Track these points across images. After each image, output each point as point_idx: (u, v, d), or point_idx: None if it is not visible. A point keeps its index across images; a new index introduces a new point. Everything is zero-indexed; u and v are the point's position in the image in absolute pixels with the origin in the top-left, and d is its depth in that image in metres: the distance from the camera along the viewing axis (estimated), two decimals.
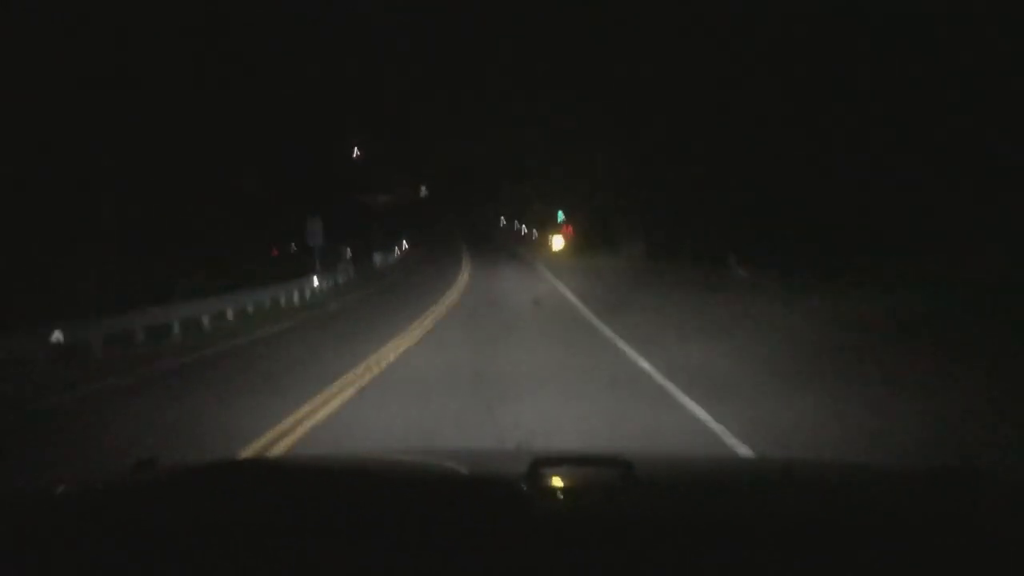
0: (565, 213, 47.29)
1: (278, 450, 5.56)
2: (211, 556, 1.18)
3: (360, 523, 1.29)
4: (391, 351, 10.58)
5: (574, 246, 41.74)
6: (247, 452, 5.42)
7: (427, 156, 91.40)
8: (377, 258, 38.91)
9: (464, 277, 29.17)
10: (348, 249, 31.34)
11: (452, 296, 21.13)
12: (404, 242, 55.59)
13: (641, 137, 35.73)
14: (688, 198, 34.28)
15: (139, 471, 1.72)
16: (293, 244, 37.10)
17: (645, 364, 8.66)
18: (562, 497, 1.54)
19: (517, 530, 1.23)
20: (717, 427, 5.72)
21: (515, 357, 9.63)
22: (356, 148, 76.46)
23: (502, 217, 73.09)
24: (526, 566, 1.14)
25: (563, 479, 1.60)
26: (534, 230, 56.14)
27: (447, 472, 1.83)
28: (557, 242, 43.98)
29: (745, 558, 1.16)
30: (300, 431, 6.05)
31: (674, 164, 33.75)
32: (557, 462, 1.64)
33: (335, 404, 7.05)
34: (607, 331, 12.27)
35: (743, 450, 5.17)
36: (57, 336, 11.04)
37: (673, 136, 33.60)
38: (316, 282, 24.05)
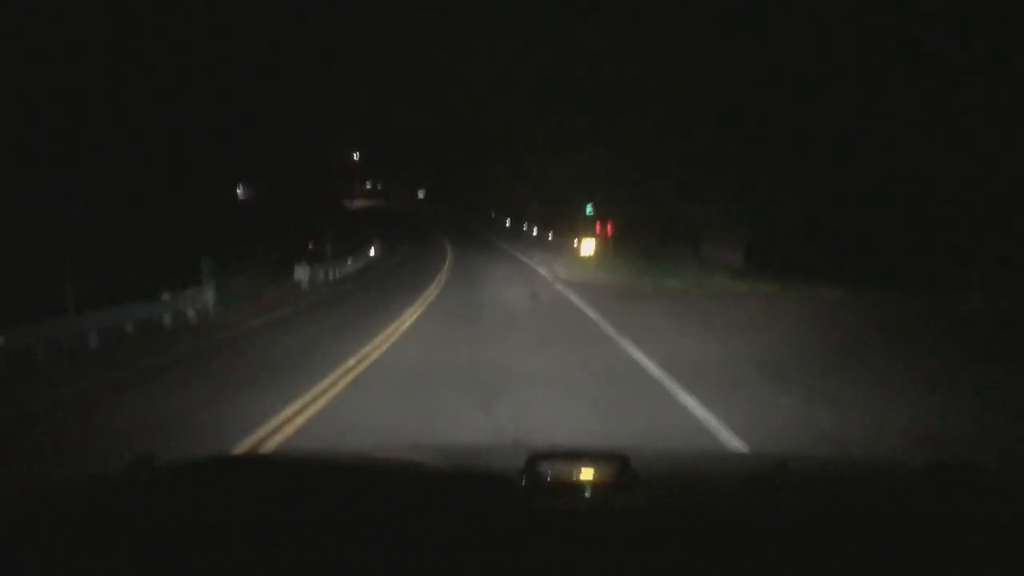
0: (596, 205, 32.19)
1: None
2: (207, 552, 1.17)
3: (357, 519, 1.28)
4: None
5: (615, 251, 26.61)
6: None
7: (426, 157, 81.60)
8: (303, 274, 24.01)
9: (408, 322, 14.21)
10: (207, 261, 16.44)
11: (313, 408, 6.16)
12: (372, 249, 40.66)
13: (726, 84, 20.74)
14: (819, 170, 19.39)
15: (136, 467, 1.67)
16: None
17: None
18: (559, 492, 1.51)
19: (514, 524, 1.23)
20: None
21: None
22: (356, 153, 75.13)
23: (508, 218, 58.15)
24: (524, 561, 1.13)
25: (560, 473, 1.57)
26: (550, 232, 40.98)
27: (444, 467, 1.88)
28: (587, 246, 28.81)
29: (742, 553, 1.15)
30: None
31: (788, 120, 19.02)
32: (554, 456, 1.60)
33: None
34: None
35: None
36: None
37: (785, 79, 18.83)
38: None
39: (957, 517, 1.33)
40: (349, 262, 32.05)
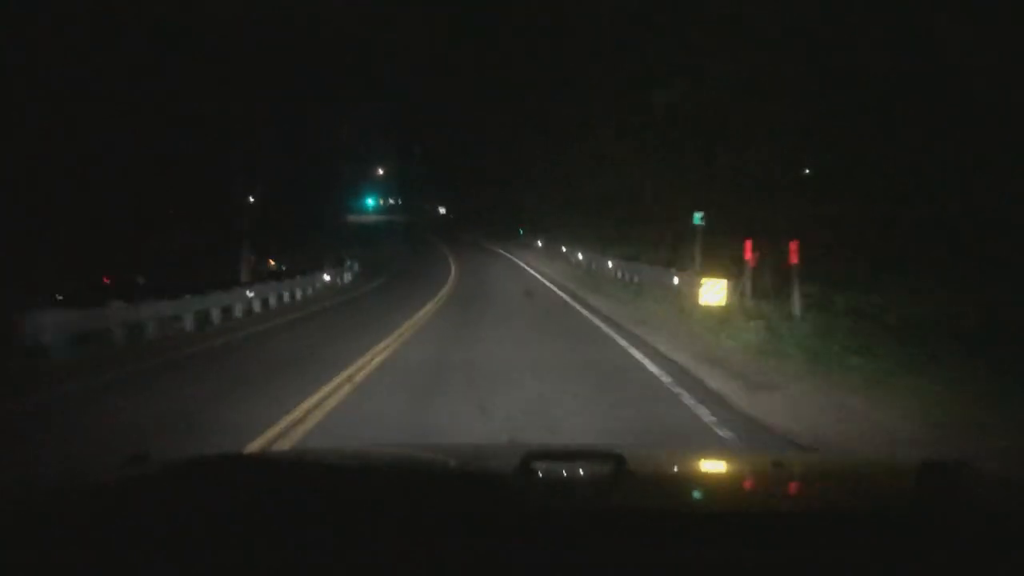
0: (710, 207, 17.25)
1: None
2: (203, 552, 1.16)
3: (352, 517, 1.26)
4: None
5: (802, 298, 11.44)
6: None
7: (449, 169, 74.86)
8: (43, 326, 9.63)
9: None
10: None
11: None
12: (330, 273, 26.04)
13: None
14: None
15: (130, 467, 1.65)
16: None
17: None
18: (554, 491, 1.52)
19: (510, 524, 1.22)
20: None
21: None
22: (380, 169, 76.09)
23: (539, 241, 43.49)
24: (520, 560, 1.12)
25: (555, 473, 1.58)
26: (610, 261, 25.81)
27: (440, 467, 1.86)
28: (712, 291, 13.74)
29: (736, 550, 1.15)
30: None
31: None
32: (549, 456, 1.62)
33: None
34: None
35: None
36: None
37: None
38: None
39: (948, 514, 1.32)
40: (250, 294, 17.52)
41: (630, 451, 1.54)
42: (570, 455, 1.71)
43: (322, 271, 25.74)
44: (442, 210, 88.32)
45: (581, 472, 1.61)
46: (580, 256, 31.03)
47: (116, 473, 1.61)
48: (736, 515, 1.31)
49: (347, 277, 28.91)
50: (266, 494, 1.46)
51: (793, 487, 1.67)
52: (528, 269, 31.21)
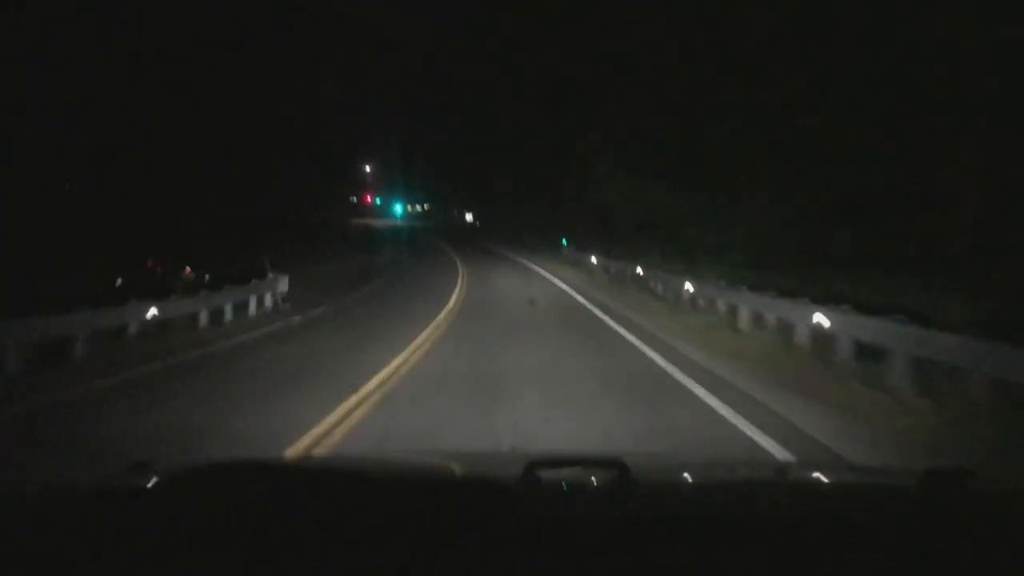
0: None
1: None
2: (204, 556, 1.15)
3: (356, 525, 1.25)
4: None
5: None
6: None
7: (478, 172, 69.86)
8: None
9: None
10: None
11: None
12: (152, 309, 12.05)
13: None
14: None
15: (133, 473, 1.62)
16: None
17: None
18: (557, 499, 1.50)
19: (512, 532, 1.20)
20: None
21: None
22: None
23: (593, 256, 29.30)
24: (523, 568, 1.11)
25: (558, 480, 1.56)
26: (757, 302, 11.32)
27: (444, 474, 1.88)
28: None
29: (740, 558, 1.14)
30: None
31: None
32: (552, 464, 1.60)
33: None
34: None
35: None
36: None
37: None
38: None
39: (951, 522, 1.31)
40: None
41: (633, 458, 1.52)
42: (574, 462, 1.70)
43: (153, 300, 11.89)
44: (469, 216, 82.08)
45: (585, 480, 1.59)
46: (688, 290, 16.63)
47: (119, 480, 1.57)
48: (740, 522, 1.30)
49: (256, 305, 15.06)
50: (269, 500, 1.43)
51: (797, 494, 1.65)
52: (590, 305, 16.86)
